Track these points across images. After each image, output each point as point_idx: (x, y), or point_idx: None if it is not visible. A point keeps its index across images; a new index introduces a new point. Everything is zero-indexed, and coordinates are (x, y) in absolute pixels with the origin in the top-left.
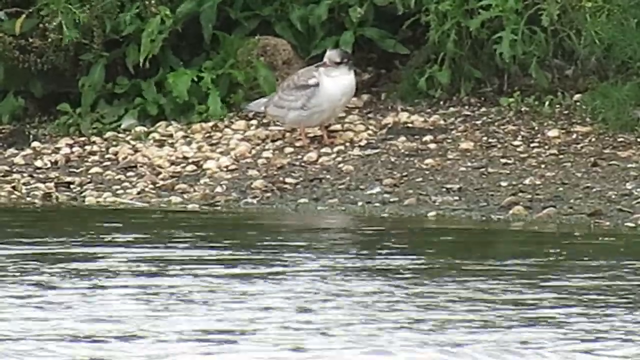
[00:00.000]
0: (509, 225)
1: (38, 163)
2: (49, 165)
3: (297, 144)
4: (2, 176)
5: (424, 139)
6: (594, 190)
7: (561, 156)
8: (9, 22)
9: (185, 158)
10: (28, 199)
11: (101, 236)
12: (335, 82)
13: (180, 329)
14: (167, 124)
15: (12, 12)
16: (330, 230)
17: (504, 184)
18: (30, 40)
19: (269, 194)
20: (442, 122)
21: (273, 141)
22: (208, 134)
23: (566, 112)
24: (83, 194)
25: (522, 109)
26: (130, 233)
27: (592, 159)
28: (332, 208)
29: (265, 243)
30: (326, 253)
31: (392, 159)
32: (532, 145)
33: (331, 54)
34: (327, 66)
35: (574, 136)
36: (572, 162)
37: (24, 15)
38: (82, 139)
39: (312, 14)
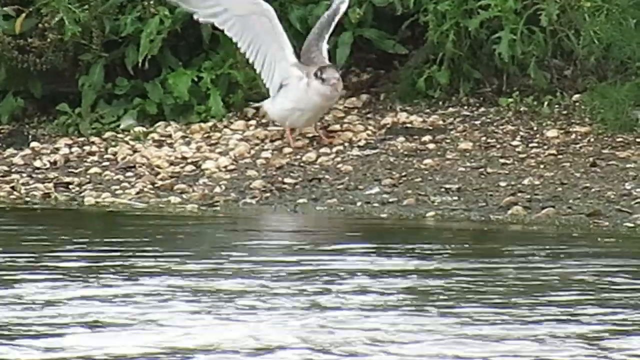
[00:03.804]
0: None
1: (37, 163)
2: (48, 165)
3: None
4: (2, 176)
5: (423, 139)
6: (593, 190)
7: (560, 156)
8: (9, 23)
9: (184, 158)
10: (27, 199)
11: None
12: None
13: None
14: (166, 124)
15: (13, 9)
16: None
17: (502, 184)
18: (30, 40)
19: (267, 194)
20: (441, 122)
21: (272, 141)
22: (207, 134)
23: (565, 112)
24: (82, 194)
25: (521, 109)
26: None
27: (591, 159)
28: (330, 208)
29: None
30: None
31: (391, 159)
32: (531, 145)
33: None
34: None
35: (573, 136)
36: (571, 162)
37: (23, 15)
38: (81, 139)
39: (311, 14)
